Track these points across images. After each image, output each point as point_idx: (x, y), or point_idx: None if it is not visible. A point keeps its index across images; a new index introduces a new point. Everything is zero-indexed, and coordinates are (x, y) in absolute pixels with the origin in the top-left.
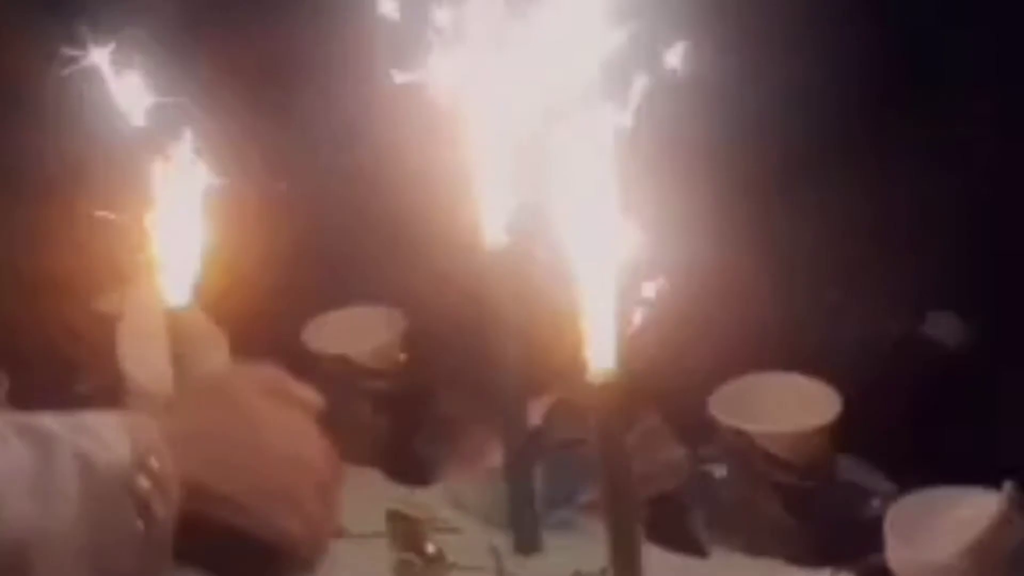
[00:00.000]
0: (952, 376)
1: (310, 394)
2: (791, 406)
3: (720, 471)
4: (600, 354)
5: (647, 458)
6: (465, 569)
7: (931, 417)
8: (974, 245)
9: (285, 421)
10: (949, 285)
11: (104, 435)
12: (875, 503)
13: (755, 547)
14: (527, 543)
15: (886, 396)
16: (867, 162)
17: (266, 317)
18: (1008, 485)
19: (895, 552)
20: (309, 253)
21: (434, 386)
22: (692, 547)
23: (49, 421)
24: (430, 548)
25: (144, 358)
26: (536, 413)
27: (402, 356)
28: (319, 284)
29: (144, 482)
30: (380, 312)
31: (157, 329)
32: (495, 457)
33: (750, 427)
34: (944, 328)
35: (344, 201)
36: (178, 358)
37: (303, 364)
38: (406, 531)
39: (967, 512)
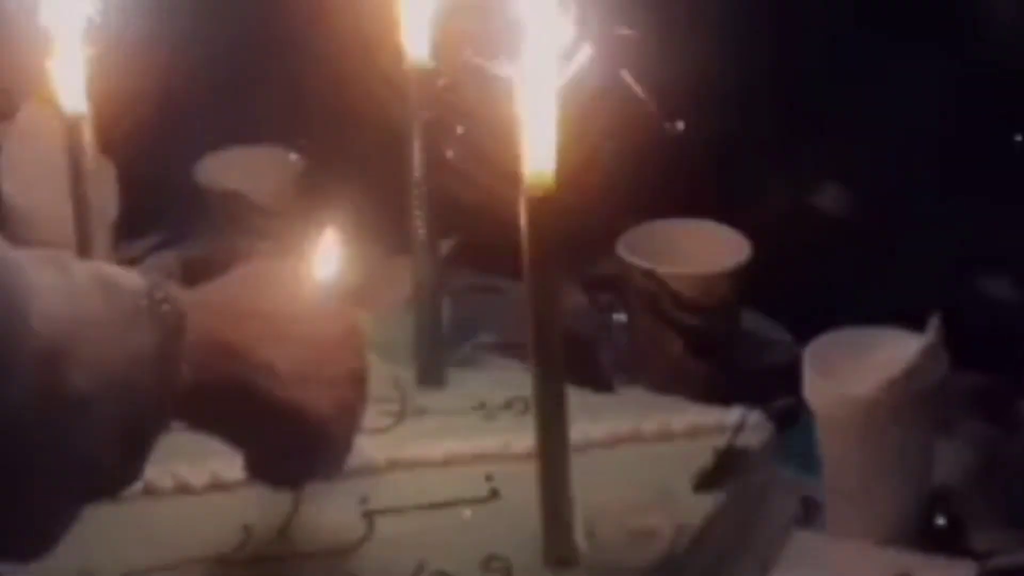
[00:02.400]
0: (839, 242)
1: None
2: (699, 251)
3: (621, 317)
4: (538, 166)
5: None
6: (369, 400)
7: (825, 278)
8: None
9: (318, 305)
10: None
11: (119, 270)
12: (778, 351)
13: (662, 387)
14: (432, 376)
15: (781, 259)
16: (771, 35)
17: (158, 152)
18: (935, 318)
19: (814, 386)
20: (206, 86)
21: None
22: (600, 384)
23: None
24: None
25: (28, 179)
26: (442, 252)
27: None
28: (216, 120)
29: (163, 307)
30: (278, 151)
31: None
32: (399, 292)
33: (659, 268)
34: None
35: (244, 29)
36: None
37: (195, 201)
38: None
39: (886, 350)
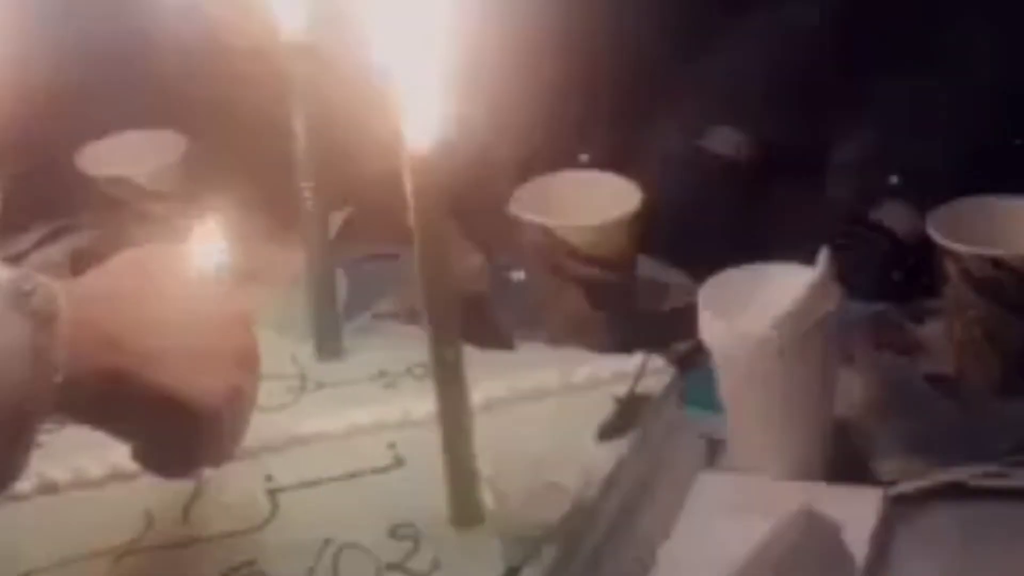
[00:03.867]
0: (731, 183)
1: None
2: (592, 202)
3: (518, 275)
4: (419, 129)
5: None
6: (268, 378)
7: (720, 218)
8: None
9: (203, 286)
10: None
11: None
12: (678, 295)
13: (562, 340)
14: (330, 349)
15: (676, 203)
16: None
17: (37, 143)
18: (825, 250)
19: (709, 326)
20: (83, 74)
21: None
22: (499, 342)
23: None
24: None
25: None
26: (333, 225)
27: None
28: (96, 107)
29: (32, 299)
30: (161, 134)
31: None
32: (293, 267)
33: (551, 222)
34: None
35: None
36: None
37: (79, 190)
38: None
39: (779, 285)
